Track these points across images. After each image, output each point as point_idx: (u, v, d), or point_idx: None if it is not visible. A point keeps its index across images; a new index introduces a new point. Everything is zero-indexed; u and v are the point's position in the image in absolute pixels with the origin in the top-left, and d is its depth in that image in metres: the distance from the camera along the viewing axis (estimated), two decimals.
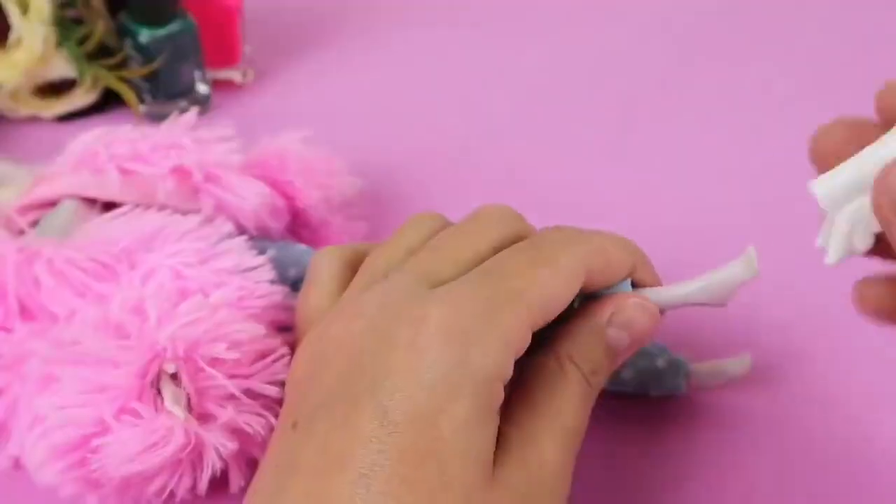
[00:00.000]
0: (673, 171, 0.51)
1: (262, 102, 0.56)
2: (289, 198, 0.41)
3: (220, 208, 0.38)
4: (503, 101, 0.57)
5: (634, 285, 0.31)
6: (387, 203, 0.48)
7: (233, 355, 0.31)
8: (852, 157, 0.25)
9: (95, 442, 0.30)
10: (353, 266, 0.33)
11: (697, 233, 0.45)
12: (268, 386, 0.32)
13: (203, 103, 0.53)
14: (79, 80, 0.52)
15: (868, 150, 0.25)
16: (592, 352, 0.29)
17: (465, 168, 0.51)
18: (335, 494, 0.24)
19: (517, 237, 0.31)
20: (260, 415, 0.32)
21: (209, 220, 0.37)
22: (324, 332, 0.29)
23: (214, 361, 0.31)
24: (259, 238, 0.39)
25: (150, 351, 0.30)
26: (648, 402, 0.38)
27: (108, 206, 0.38)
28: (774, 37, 0.63)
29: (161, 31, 0.50)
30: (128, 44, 0.51)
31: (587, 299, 0.31)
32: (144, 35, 0.50)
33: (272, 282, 0.35)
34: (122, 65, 0.52)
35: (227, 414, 0.31)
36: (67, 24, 0.51)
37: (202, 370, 0.31)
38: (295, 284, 0.36)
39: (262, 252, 0.36)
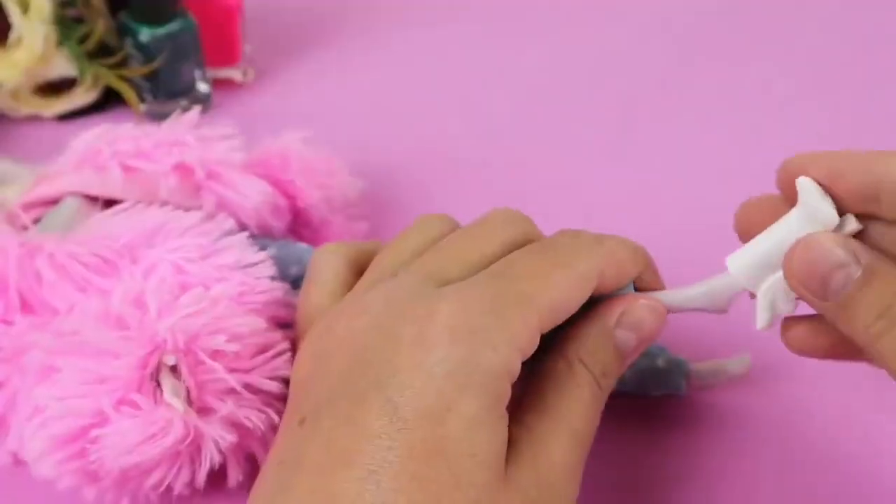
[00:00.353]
0: (673, 171, 0.51)
1: (263, 102, 0.56)
2: (290, 197, 0.41)
3: (222, 206, 0.38)
4: (503, 101, 0.57)
5: (637, 288, 0.31)
6: (386, 203, 0.48)
7: (233, 347, 0.31)
8: (761, 235, 0.28)
9: (94, 433, 0.30)
10: (354, 264, 0.33)
11: (697, 233, 0.45)
12: (268, 381, 0.32)
13: (203, 102, 0.53)
14: (79, 79, 0.52)
15: (774, 227, 0.28)
16: (602, 353, 0.29)
17: (464, 168, 0.51)
18: (341, 491, 0.24)
19: (525, 240, 0.31)
20: (260, 410, 0.32)
21: (211, 216, 0.37)
22: (327, 329, 0.29)
23: (215, 354, 0.31)
24: (260, 237, 0.39)
25: (150, 343, 0.30)
26: (648, 401, 0.38)
27: (110, 204, 0.38)
28: (774, 37, 0.63)
29: (161, 30, 0.50)
30: (128, 43, 0.51)
31: (591, 301, 0.31)
32: (145, 34, 0.50)
33: (273, 278, 0.35)
34: (123, 64, 0.52)
35: (226, 408, 0.31)
36: (68, 22, 0.51)
37: (202, 363, 0.31)
38: (296, 282, 0.36)
39: (263, 250, 0.36)
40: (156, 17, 0.50)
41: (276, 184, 0.41)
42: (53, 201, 0.38)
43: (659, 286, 0.32)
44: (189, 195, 0.38)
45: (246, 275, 0.34)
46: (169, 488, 0.32)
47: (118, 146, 0.38)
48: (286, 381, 0.32)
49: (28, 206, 0.38)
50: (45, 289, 0.33)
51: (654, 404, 0.38)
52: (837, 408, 0.38)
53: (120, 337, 0.31)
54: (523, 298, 0.27)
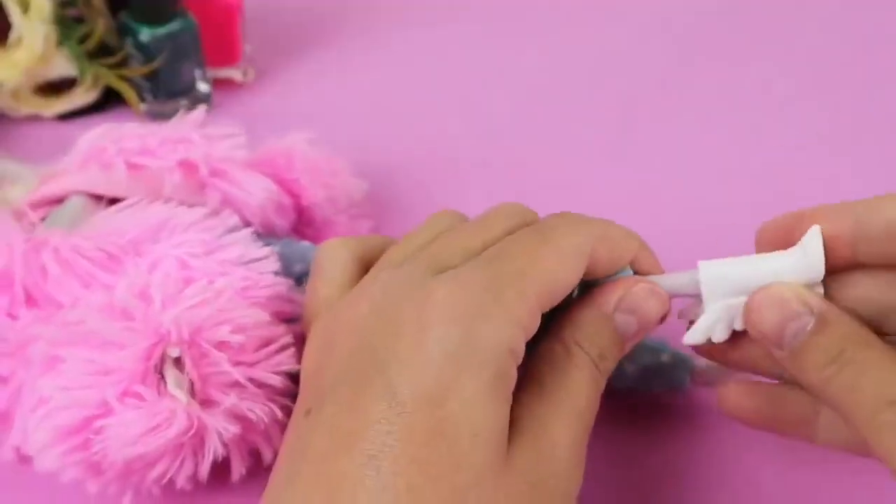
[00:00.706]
0: (673, 171, 0.51)
1: (263, 101, 0.56)
2: (294, 196, 0.41)
3: (226, 203, 0.38)
4: (503, 101, 0.57)
5: (635, 273, 0.31)
6: (385, 203, 0.48)
7: (237, 338, 0.31)
8: (747, 257, 0.29)
9: (98, 423, 0.30)
10: (359, 258, 0.33)
11: (697, 233, 0.45)
12: (271, 375, 0.32)
13: (203, 102, 0.53)
14: (79, 79, 0.52)
15: (764, 257, 0.29)
16: (599, 336, 0.29)
17: (464, 168, 0.51)
18: (342, 476, 0.24)
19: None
20: (263, 404, 0.32)
21: (215, 213, 0.37)
22: (331, 320, 0.29)
23: (219, 346, 0.31)
24: (264, 235, 0.39)
25: (154, 334, 0.30)
26: (651, 396, 0.38)
27: (115, 202, 0.38)
28: (774, 37, 0.63)
29: (161, 30, 0.50)
30: (128, 42, 0.51)
31: (588, 287, 0.31)
32: (145, 34, 0.50)
33: (276, 273, 0.35)
34: (123, 63, 0.52)
35: (229, 400, 0.31)
36: (68, 22, 0.51)
37: (206, 356, 0.31)
38: (299, 280, 0.37)
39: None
40: (156, 17, 0.50)
41: (281, 182, 0.41)
42: (59, 200, 0.38)
43: (657, 270, 0.31)
44: (193, 192, 0.38)
45: (249, 270, 0.34)
46: (172, 481, 0.32)
47: (123, 144, 0.38)
48: (290, 376, 0.33)
49: (34, 205, 0.38)
50: (49, 283, 0.33)
51: (657, 399, 0.38)
52: None
53: (124, 328, 0.31)
54: (519, 276, 0.27)
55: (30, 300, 0.34)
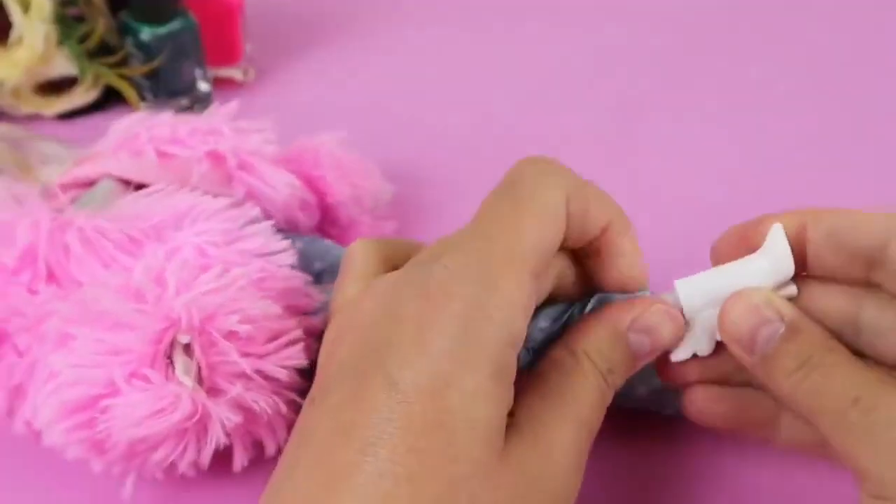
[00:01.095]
0: (673, 171, 0.51)
1: (263, 101, 0.56)
2: (320, 193, 0.42)
3: (251, 196, 0.39)
4: (503, 101, 0.57)
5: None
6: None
7: (244, 328, 0.31)
8: (717, 268, 0.29)
9: (104, 402, 0.30)
10: (387, 258, 0.33)
11: (697, 233, 0.45)
12: (279, 369, 0.32)
13: (204, 101, 0.53)
14: (80, 79, 0.52)
15: (732, 265, 0.29)
16: (611, 351, 0.29)
17: (464, 168, 0.51)
18: (341, 463, 0.25)
19: None
20: (269, 397, 0.32)
21: (238, 203, 0.37)
22: (344, 316, 0.30)
23: (228, 336, 0.31)
24: (288, 231, 0.39)
25: (165, 318, 0.31)
26: (660, 419, 0.37)
27: (141, 188, 0.38)
28: (774, 37, 0.63)
29: (162, 30, 0.50)
30: (129, 42, 0.51)
31: (604, 301, 0.31)
32: (145, 33, 0.50)
33: (294, 268, 0.35)
34: (123, 63, 0.52)
35: (235, 390, 0.31)
36: (68, 22, 0.51)
37: (215, 345, 0.31)
38: (318, 277, 0.37)
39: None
40: (156, 17, 0.50)
41: (307, 179, 0.41)
42: (90, 183, 0.38)
43: (632, 246, 0.31)
44: (220, 183, 0.38)
45: (267, 262, 0.34)
46: (174, 466, 0.32)
47: (155, 132, 0.39)
48: (298, 371, 0.33)
49: (66, 187, 0.38)
50: (72, 262, 0.34)
51: (665, 421, 0.37)
52: None
53: (136, 309, 0.31)
54: (508, 259, 0.27)
55: (51, 277, 0.34)
